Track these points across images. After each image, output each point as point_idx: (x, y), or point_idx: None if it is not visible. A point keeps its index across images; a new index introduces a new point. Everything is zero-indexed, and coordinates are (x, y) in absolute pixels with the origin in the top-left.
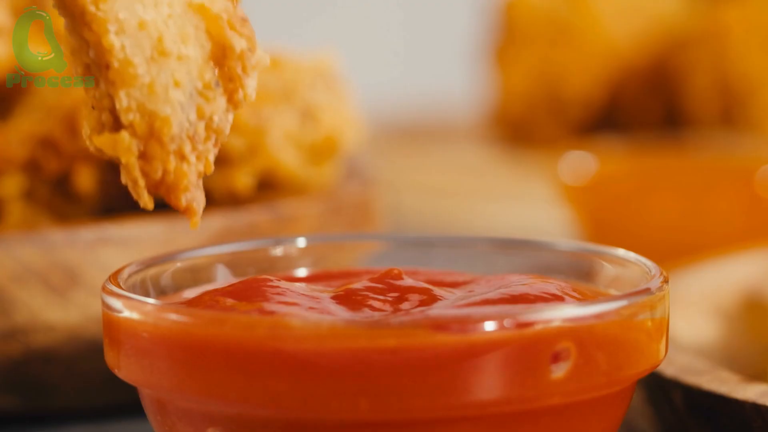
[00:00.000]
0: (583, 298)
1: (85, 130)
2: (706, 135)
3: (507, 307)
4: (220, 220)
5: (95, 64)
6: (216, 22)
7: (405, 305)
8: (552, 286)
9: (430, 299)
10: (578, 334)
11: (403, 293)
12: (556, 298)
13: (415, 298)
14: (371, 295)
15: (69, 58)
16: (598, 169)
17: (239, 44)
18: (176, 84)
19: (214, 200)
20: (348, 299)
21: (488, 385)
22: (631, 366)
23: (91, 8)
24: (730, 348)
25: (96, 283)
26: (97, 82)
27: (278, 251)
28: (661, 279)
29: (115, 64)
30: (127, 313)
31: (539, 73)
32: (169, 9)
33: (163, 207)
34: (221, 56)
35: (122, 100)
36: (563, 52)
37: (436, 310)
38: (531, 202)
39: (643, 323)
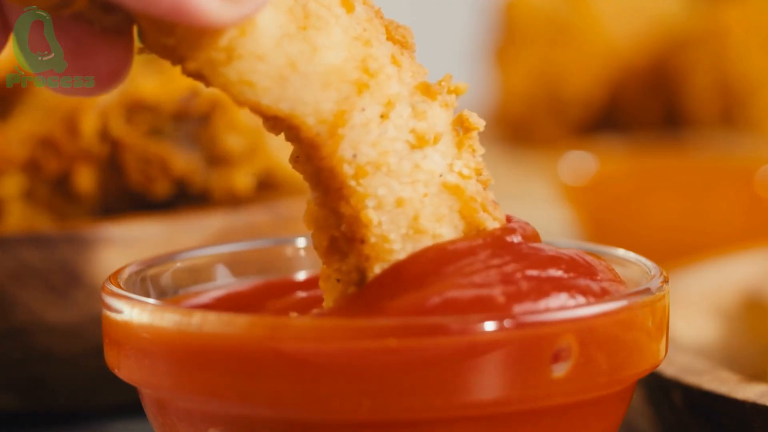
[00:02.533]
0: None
1: (327, 301)
2: (706, 135)
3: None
4: (220, 220)
5: (346, 238)
6: (470, 205)
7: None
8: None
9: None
10: (579, 333)
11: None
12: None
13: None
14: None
15: (314, 231)
16: (598, 169)
17: (492, 227)
18: None
19: (214, 200)
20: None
21: (489, 385)
22: (632, 366)
23: (352, 182)
24: (730, 348)
25: (96, 283)
26: (346, 255)
27: (278, 251)
28: (661, 279)
29: (372, 239)
30: (127, 313)
31: (539, 73)
32: (425, 188)
33: (163, 207)
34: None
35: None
36: (563, 52)
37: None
38: (531, 202)
39: (643, 323)
